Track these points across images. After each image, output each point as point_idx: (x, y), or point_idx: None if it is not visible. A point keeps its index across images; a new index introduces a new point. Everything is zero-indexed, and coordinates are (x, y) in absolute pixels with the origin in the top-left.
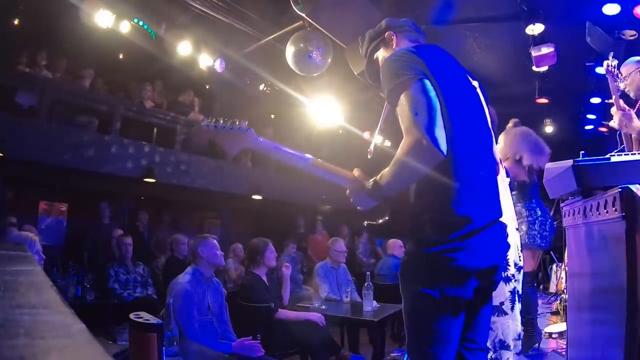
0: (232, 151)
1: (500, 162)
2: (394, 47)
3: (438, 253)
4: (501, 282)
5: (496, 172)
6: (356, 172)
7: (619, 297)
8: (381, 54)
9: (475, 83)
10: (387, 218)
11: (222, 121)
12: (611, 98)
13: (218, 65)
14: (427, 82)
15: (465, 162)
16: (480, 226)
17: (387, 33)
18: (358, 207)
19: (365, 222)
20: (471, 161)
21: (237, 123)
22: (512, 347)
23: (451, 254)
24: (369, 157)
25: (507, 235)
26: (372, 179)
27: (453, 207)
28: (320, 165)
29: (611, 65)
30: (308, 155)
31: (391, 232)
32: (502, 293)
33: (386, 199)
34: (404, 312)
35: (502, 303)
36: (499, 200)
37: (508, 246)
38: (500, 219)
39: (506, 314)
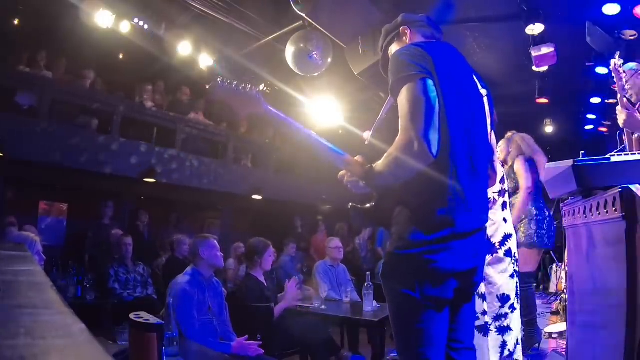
0: (241, 113)
1: (498, 173)
2: (407, 41)
3: (418, 254)
4: (510, 278)
5: (488, 182)
6: (358, 158)
7: (619, 297)
8: (394, 48)
9: (484, 91)
10: (372, 204)
11: (235, 83)
12: (611, 98)
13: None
14: (430, 82)
15: (457, 166)
16: (462, 231)
17: (401, 27)
18: (353, 190)
19: (350, 204)
20: (463, 166)
21: (250, 87)
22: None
23: (430, 256)
24: (366, 143)
25: (489, 238)
26: (369, 165)
27: (437, 208)
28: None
29: (617, 64)
30: (313, 132)
31: (373, 219)
32: (511, 288)
33: (377, 189)
34: (389, 313)
35: (516, 295)
36: (487, 210)
37: (488, 249)
38: (486, 225)
39: (515, 308)
